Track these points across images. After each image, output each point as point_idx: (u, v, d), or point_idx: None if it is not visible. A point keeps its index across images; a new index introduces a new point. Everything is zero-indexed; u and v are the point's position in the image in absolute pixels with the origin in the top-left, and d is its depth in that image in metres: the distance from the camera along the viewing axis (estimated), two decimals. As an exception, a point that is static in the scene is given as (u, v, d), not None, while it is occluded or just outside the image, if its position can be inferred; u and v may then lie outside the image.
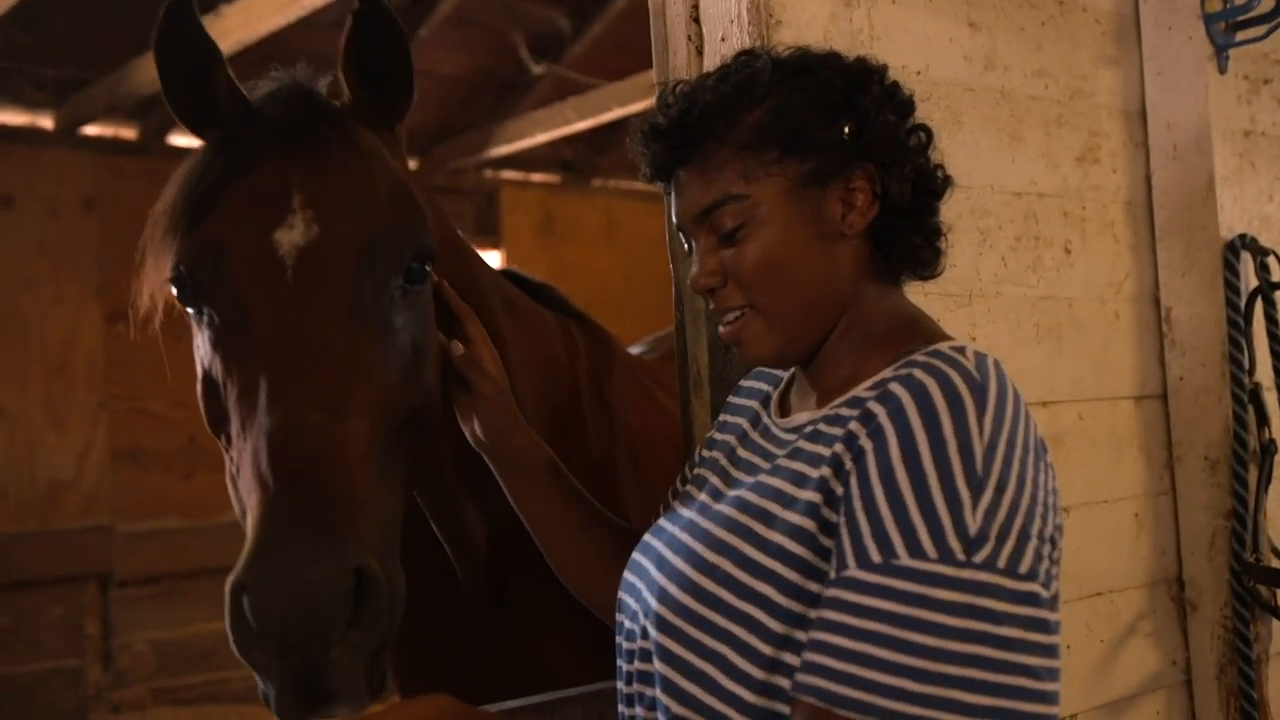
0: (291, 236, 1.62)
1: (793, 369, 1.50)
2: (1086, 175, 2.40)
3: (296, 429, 1.49)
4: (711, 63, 1.92)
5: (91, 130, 5.86)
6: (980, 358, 1.24)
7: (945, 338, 1.35)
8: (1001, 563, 1.14)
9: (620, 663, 1.44)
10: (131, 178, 6.07)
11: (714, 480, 1.46)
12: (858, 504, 1.19)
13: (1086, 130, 2.41)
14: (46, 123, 5.82)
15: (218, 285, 1.63)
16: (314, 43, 5.80)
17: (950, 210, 1.48)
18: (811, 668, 1.17)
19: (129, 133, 6.07)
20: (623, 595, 1.46)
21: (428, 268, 1.74)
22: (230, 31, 4.61)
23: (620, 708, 1.44)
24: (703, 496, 1.45)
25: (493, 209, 7.55)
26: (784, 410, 1.47)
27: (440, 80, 6.63)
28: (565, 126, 6.25)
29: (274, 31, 4.55)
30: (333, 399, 1.53)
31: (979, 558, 1.14)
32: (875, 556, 1.16)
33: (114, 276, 5.98)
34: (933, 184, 1.40)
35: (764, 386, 1.57)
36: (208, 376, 1.66)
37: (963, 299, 2.15)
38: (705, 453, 1.57)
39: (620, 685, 1.44)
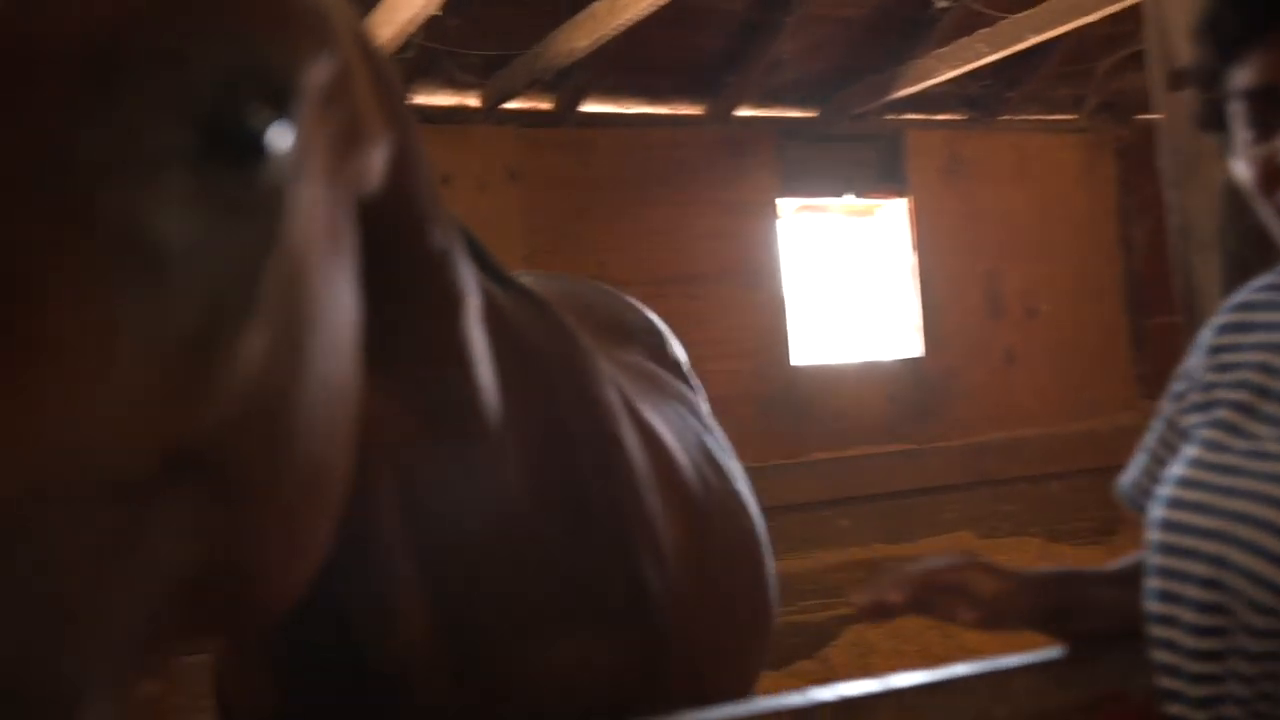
0: None
1: None
2: None
3: None
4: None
5: (512, 105, 6.18)
6: None
7: None
8: None
9: (1174, 661, 1.28)
10: (549, 148, 6.37)
11: (1250, 424, 1.29)
12: None
13: None
14: (473, 101, 6.18)
15: None
16: (657, 41, 5.89)
17: None
18: None
19: (546, 104, 6.35)
20: (1176, 563, 1.28)
21: (285, 118, 0.84)
22: (599, 28, 4.90)
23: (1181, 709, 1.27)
24: (1244, 450, 1.28)
25: (897, 153, 7.37)
26: None
27: (840, 24, 6.53)
28: (975, 61, 5.98)
29: (634, 24, 4.78)
30: None
31: None
32: None
33: (539, 244, 6.29)
34: None
35: (1271, 337, 1.35)
36: None
37: None
38: (1213, 378, 1.38)
39: (1180, 686, 1.28)
